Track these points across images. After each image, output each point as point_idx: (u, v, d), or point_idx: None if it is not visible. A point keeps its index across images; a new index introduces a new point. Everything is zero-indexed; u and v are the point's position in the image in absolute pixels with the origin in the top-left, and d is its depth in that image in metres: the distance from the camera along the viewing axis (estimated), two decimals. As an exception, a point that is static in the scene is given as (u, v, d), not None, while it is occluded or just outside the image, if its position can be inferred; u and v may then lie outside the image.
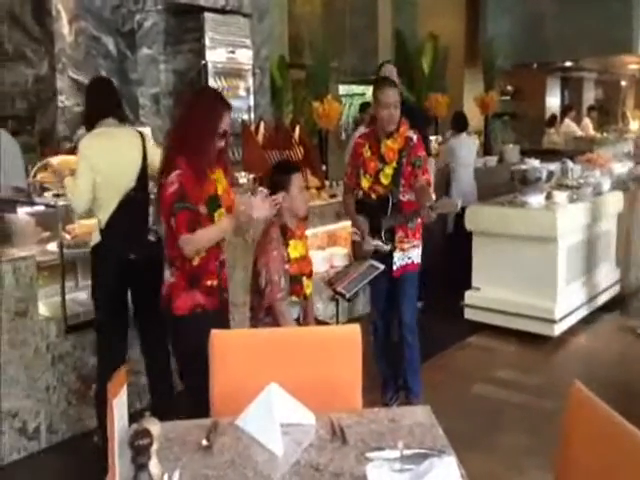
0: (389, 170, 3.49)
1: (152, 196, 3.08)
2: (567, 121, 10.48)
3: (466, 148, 6.53)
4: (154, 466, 1.35)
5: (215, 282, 2.59)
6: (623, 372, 4.18)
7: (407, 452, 1.55)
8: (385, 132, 3.50)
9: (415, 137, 3.52)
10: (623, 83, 14.98)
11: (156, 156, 2.92)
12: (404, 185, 3.48)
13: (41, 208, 3.53)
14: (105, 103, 3.18)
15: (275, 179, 3.00)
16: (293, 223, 2.99)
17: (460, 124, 6.61)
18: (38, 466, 3.24)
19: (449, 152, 6.59)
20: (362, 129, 4.88)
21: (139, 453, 1.30)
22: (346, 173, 3.69)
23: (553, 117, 10.74)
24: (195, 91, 2.64)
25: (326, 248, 5.21)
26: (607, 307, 5.38)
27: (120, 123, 3.19)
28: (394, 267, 3.47)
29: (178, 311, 2.55)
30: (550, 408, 3.46)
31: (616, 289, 5.60)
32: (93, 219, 3.75)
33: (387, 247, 3.47)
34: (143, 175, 3.10)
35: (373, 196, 3.53)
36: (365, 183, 3.53)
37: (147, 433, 1.31)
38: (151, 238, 3.15)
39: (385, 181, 3.51)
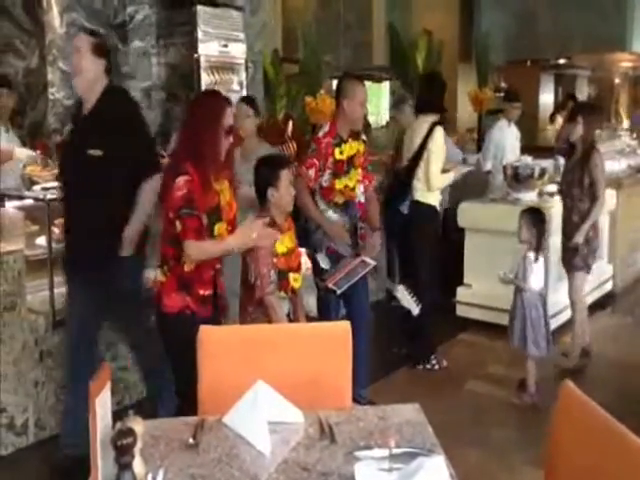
0: (356, 173, 3.49)
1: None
2: (559, 119, 10.48)
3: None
4: (138, 465, 1.33)
5: (209, 292, 2.55)
6: (615, 370, 4.19)
7: (396, 451, 1.53)
8: (350, 131, 3.42)
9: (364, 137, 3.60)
10: (617, 81, 14.98)
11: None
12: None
13: (30, 202, 3.49)
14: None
15: (263, 174, 2.96)
16: (281, 218, 2.96)
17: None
18: (26, 462, 3.22)
19: None
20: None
21: (122, 452, 1.28)
22: (308, 176, 3.34)
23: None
24: (194, 96, 2.68)
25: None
26: (599, 304, 5.38)
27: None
28: None
29: (166, 309, 2.53)
30: (541, 404, 3.46)
31: (608, 286, 5.61)
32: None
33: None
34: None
35: (340, 200, 3.45)
36: (339, 185, 3.43)
37: (130, 432, 1.29)
38: None
39: (351, 184, 3.47)
